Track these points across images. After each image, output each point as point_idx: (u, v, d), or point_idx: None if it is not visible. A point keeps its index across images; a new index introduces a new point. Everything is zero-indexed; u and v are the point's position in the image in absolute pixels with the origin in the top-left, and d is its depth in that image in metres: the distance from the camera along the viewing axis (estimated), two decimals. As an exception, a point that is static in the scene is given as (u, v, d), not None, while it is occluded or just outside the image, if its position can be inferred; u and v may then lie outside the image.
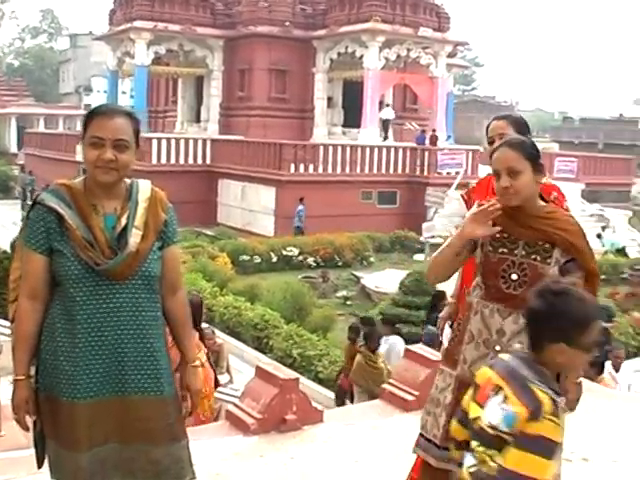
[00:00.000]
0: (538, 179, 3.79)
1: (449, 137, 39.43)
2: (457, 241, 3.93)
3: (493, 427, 2.95)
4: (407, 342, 12.02)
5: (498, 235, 3.84)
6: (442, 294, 14.31)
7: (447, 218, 28.84)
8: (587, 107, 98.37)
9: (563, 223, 3.80)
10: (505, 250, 3.84)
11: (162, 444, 3.56)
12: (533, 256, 3.79)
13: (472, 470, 3.03)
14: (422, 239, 25.44)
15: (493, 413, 2.97)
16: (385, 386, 7.05)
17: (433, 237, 24.95)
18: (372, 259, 26.58)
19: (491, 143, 4.63)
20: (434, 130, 36.45)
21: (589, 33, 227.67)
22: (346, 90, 40.03)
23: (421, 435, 4.14)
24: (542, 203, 3.89)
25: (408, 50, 37.70)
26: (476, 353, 3.91)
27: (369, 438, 6.18)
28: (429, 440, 4.06)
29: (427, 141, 35.49)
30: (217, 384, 8.51)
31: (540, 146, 4.34)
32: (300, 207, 29.43)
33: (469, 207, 4.62)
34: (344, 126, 40.10)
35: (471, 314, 3.98)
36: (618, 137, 64.36)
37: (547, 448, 2.89)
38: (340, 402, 12.19)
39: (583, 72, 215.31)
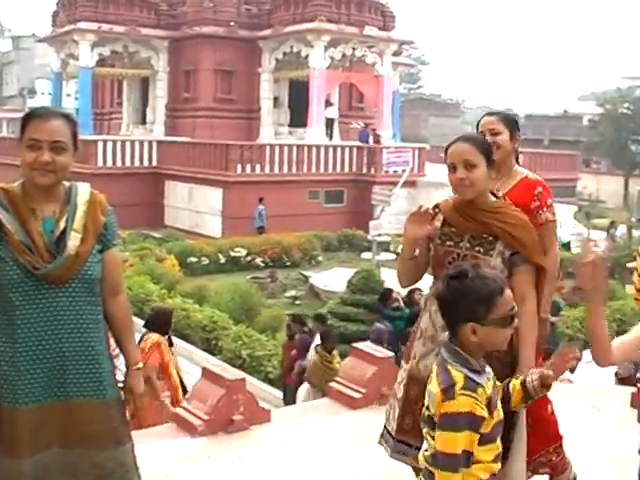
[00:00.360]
0: (491, 174, 3.93)
1: (394, 135, 39.56)
2: (405, 246, 4.00)
3: (426, 408, 3.06)
4: (356, 340, 12.09)
5: (446, 229, 3.99)
6: (390, 292, 14.40)
7: (394, 216, 28.87)
8: (532, 104, 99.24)
9: (509, 217, 3.92)
10: (451, 243, 3.98)
11: (106, 448, 3.55)
12: (477, 248, 3.92)
13: (426, 454, 3.09)
14: (370, 237, 25.48)
15: (427, 396, 3.08)
16: (332, 384, 7.07)
17: (380, 235, 24.98)
18: (320, 258, 26.63)
19: None
20: (374, 129, 36.55)
21: (534, 30, 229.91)
22: (292, 90, 39.94)
23: (384, 427, 4.26)
24: (493, 199, 4.02)
25: (353, 49, 37.70)
26: (423, 349, 4.03)
27: (317, 436, 6.20)
28: (389, 432, 4.18)
29: (371, 137, 35.60)
30: (185, 391, 8.58)
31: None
32: (260, 207, 29.45)
33: None
34: (290, 126, 40.02)
35: (423, 311, 4.11)
36: (563, 133, 65.16)
37: (468, 421, 2.90)
38: (288, 401, 12.25)
39: (528, 69, 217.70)
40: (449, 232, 3.99)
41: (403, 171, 31.74)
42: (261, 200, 29.35)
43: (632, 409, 6.43)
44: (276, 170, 31.83)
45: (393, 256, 26.80)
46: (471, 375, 2.97)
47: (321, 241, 27.98)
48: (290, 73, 38.66)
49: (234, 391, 6.08)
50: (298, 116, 38.40)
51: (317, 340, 11.77)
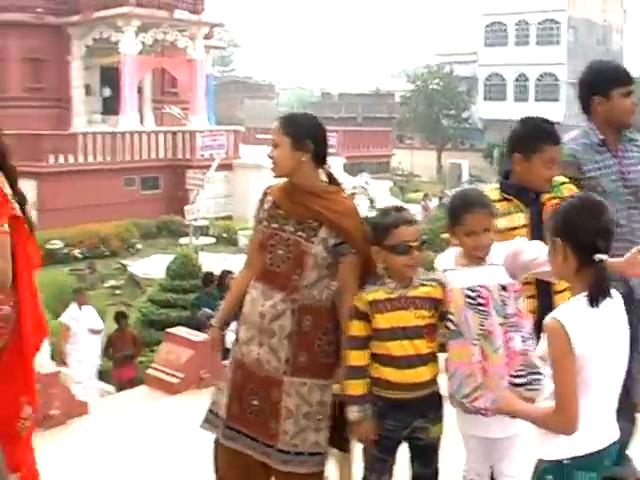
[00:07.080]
0: (299, 156, 3.83)
1: (210, 118, 39.46)
2: None
3: None
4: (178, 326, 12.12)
5: (274, 211, 3.92)
6: (210, 275, 14.47)
7: (212, 200, 29.04)
8: (345, 82, 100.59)
9: (336, 205, 3.84)
10: (276, 225, 3.91)
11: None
12: (299, 233, 3.84)
13: None
14: (186, 222, 25.50)
15: None
16: (149, 371, 7.11)
17: (196, 220, 25.05)
18: (139, 246, 26.42)
19: None
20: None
21: (345, 10, 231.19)
22: (104, 76, 39.23)
23: (210, 411, 4.11)
24: (324, 182, 3.94)
25: (164, 33, 37.34)
26: (247, 334, 3.95)
27: (137, 424, 6.22)
28: (217, 416, 4.05)
29: None
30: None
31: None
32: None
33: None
34: (103, 113, 39.27)
35: (246, 295, 4.02)
36: (376, 110, 66.50)
37: (353, 312, 3.80)
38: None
39: (340, 49, 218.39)
40: (276, 214, 3.91)
41: (219, 155, 31.87)
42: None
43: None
44: (90, 159, 31.24)
45: (212, 240, 26.93)
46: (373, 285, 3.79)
47: (140, 229, 27.69)
48: (101, 60, 37.94)
49: (49, 386, 6.01)
50: (111, 103, 37.80)
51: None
